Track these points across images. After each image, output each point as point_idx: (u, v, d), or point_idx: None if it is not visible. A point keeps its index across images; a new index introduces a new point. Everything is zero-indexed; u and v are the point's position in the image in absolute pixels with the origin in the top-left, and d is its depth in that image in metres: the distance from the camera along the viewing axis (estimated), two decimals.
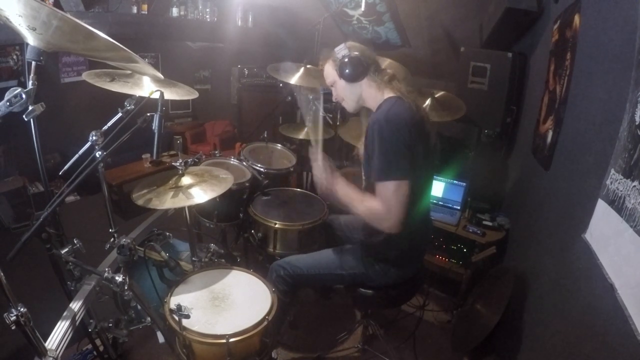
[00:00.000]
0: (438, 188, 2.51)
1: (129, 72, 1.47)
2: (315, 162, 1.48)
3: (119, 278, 1.30)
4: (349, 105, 1.50)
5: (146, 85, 1.53)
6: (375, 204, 1.31)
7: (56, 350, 1.13)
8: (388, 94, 1.40)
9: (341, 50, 1.42)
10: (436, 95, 2.33)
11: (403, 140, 1.26)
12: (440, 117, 2.16)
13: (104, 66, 1.36)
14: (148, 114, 1.25)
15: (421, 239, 1.55)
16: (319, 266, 1.58)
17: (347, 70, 1.40)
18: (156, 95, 1.30)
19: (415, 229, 1.45)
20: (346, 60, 1.39)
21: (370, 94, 1.43)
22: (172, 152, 3.84)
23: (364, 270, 1.52)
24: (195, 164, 1.83)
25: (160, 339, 1.56)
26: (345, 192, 1.40)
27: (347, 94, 1.47)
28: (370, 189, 1.36)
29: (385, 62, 2.28)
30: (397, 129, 1.26)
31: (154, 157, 1.22)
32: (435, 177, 2.45)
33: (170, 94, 1.57)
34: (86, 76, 1.43)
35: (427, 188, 1.49)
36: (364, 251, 1.54)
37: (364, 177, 1.47)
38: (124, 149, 1.27)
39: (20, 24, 0.91)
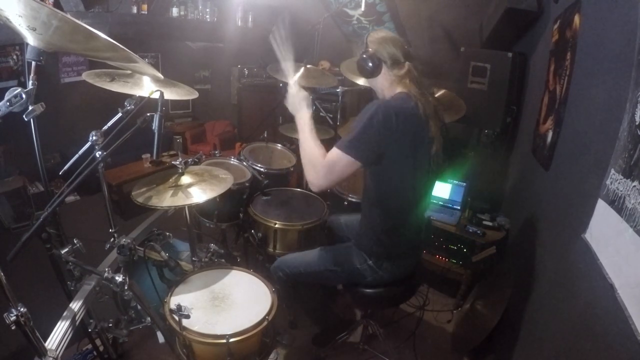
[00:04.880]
0: (438, 188, 2.51)
1: (129, 72, 1.47)
2: (291, 78, 1.50)
3: (119, 278, 1.30)
4: (379, 96, 1.50)
5: (146, 85, 1.53)
6: (320, 158, 1.31)
7: (56, 350, 1.13)
8: (399, 89, 1.40)
9: (360, 47, 1.43)
10: (436, 95, 2.33)
11: (386, 129, 1.26)
12: None
13: (104, 66, 1.36)
14: (148, 114, 1.25)
15: (413, 236, 1.54)
16: (315, 264, 1.59)
17: (362, 68, 1.42)
18: (156, 95, 1.30)
19: (405, 227, 1.46)
20: (362, 57, 1.40)
21: (385, 87, 1.44)
22: (172, 152, 3.84)
23: (358, 266, 1.53)
24: (195, 164, 1.83)
25: (160, 339, 1.56)
26: (307, 121, 1.41)
27: (372, 86, 1.50)
28: (366, 175, 1.39)
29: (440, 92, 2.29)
30: (387, 117, 1.26)
31: (154, 157, 1.22)
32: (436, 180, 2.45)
33: (170, 94, 1.56)
34: (86, 76, 1.44)
35: (418, 188, 1.46)
36: (356, 247, 1.55)
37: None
38: (124, 149, 1.27)
39: (20, 24, 0.91)
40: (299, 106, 1.44)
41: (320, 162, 1.31)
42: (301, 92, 1.46)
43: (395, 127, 1.26)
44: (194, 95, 1.70)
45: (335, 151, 1.29)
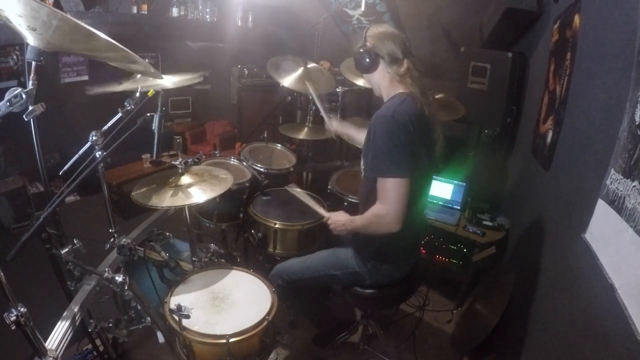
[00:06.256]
0: (438, 188, 2.51)
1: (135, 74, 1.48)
2: (331, 219, 1.52)
3: (119, 278, 1.30)
4: (376, 92, 1.49)
5: (149, 82, 1.53)
6: (375, 206, 1.32)
7: (56, 350, 1.13)
8: (400, 89, 1.38)
9: (359, 41, 1.41)
10: (435, 97, 2.33)
11: (407, 139, 1.26)
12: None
13: (105, 67, 1.36)
14: (148, 114, 1.26)
15: (413, 236, 1.55)
16: (314, 269, 1.59)
17: (358, 63, 1.41)
18: (157, 94, 1.30)
19: (407, 227, 1.45)
20: (359, 51, 1.39)
21: (384, 85, 1.42)
22: (172, 152, 3.83)
23: (357, 269, 1.52)
24: (195, 164, 1.83)
25: (160, 339, 1.56)
26: (353, 221, 1.44)
27: (369, 82, 1.49)
28: (367, 181, 1.38)
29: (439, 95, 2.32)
30: (403, 127, 1.26)
31: (154, 157, 1.22)
32: (435, 177, 2.45)
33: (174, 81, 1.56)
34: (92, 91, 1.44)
35: (424, 189, 1.49)
36: (355, 250, 1.55)
37: (362, 169, 1.46)
38: (124, 149, 1.27)
39: (20, 24, 0.91)
40: (346, 226, 1.46)
41: (377, 207, 1.31)
42: (339, 218, 1.49)
43: (413, 134, 1.27)
44: (198, 79, 1.69)
45: (380, 182, 1.29)
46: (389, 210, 1.28)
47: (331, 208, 2.09)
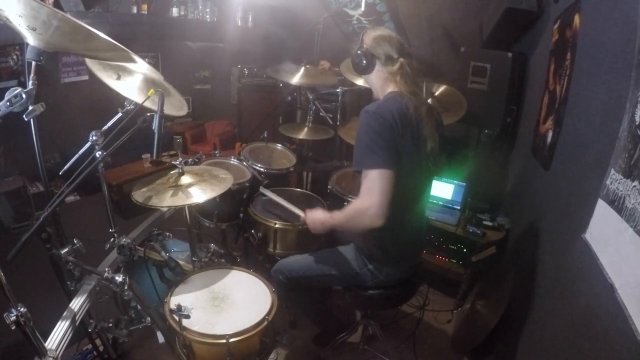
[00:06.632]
0: (438, 188, 2.51)
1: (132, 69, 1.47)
2: (309, 217, 1.53)
3: (119, 278, 1.30)
4: (374, 94, 1.50)
5: (145, 89, 1.52)
6: (357, 200, 1.31)
7: (56, 350, 1.13)
8: (391, 87, 1.40)
9: (356, 44, 1.45)
10: (437, 93, 2.33)
11: (391, 133, 1.26)
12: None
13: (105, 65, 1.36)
14: (148, 114, 1.26)
15: (414, 238, 1.53)
16: (315, 268, 1.58)
17: (356, 64, 1.44)
18: (156, 96, 1.30)
19: (406, 228, 1.45)
20: (356, 53, 1.42)
21: (379, 85, 1.44)
22: (172, 152, 3.84)
23: (358, 270, 1.52)
24: (195, 163, 1.83)
25: (160, 339, 1.56)
26: (332, 217, 1.44)
27: (368, 84, 1.51)
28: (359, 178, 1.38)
29: (441, 88, 2.34)
30: (386, 121, 1.26)
31: (154, 157, 1.22)
32: (435, 178, 2.44)
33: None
34: (91, 63, 1.41)
35: (420, 188, 1.48)
36: (357, 251, 1.54)
37: None
38: (124, 149, 1.27)
39: (20, 24, 0.91)
40: (325, 224, 1.46)
41: (359, 201, 1.30)
42: (317, 216, 1.49)
43: (396, 127, 1.27)
44: (183, 111, 1.65)
45: (363, 175, 1.28)
46: (373, 203, 1.25)
47: (331, 208, 2.10)
